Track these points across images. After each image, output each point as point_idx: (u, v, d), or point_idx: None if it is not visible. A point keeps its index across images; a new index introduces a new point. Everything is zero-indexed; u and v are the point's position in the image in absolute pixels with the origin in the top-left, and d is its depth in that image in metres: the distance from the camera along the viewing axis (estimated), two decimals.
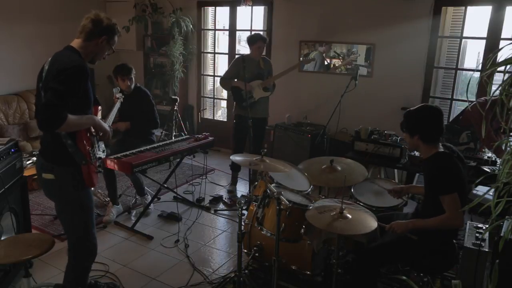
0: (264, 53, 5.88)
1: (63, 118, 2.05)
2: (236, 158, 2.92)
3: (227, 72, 4.64)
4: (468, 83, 2.77)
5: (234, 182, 4.90)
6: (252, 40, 4.45)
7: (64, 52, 2.26)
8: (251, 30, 5.96)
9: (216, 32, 6.52)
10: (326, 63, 5.34)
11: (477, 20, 4.58)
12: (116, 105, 3.73)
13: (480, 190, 3.41)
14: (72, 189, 2.32)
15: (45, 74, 2.20)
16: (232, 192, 4.76)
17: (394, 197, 2.90)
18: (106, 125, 2.46)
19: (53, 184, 2.33)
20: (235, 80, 4.50)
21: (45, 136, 2.36)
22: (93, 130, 2.40)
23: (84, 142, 2.29)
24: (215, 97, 6.66)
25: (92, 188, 2.49)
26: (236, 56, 5.81)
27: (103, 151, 2.57)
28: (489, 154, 3.58)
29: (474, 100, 4.25)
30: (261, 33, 5.89)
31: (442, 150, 2.46)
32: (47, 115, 2.03)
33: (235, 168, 4.85)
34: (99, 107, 2.57)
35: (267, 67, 4.62)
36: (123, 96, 3.87)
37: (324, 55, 5.34)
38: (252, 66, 4.47)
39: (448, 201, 2.31)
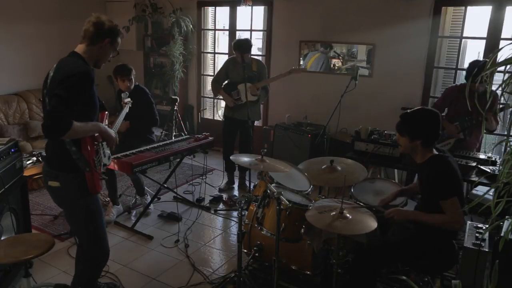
0: (263, 53, 5.93)
1: (68, 125, 2.03)
2: (237, 158, 2.91)
3: (217, 74, 4.72)
4: (468, 83, 2.77)
5: (229, 183, 4.90)
6: (233, 47, 4.43)
7: (68, 59, 2.25)
8: (251, 30, 5.96)
9: (216, 32, 6.52)
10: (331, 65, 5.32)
11: (477, 20, 4.57)
12: (124, 110, 3.68)
13: (480, 190, 3.40)
14: (79, 196, 2.31)
15: (50, 81, 2.20)
16: (225, 191, 4.74)
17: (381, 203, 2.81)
18: (112, 132, 2.44)
19: (59, 191, 2.32)
20: (223, 91, 4.59)
21: (49, 143, 2.34)
22: (97, 136, 2.36)
23: (89, 149, 2.27)
24: (215, 97, 6.65)
25: None
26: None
27: (109, 158, 2.56)
28: (489, 154, 3.58)
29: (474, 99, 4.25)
30: (262, 33, 5.94)
31: (436, 153, 2.47)
32: (52, 122, 2.02)
33: (230, 169, 4.87)
34: (106, 113, 2.56)
35: (260, 71, 4.54)
36: (132, 101, 3.79)
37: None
38: (241, 68, 4.41)
39: (449, 205, 2.31)
